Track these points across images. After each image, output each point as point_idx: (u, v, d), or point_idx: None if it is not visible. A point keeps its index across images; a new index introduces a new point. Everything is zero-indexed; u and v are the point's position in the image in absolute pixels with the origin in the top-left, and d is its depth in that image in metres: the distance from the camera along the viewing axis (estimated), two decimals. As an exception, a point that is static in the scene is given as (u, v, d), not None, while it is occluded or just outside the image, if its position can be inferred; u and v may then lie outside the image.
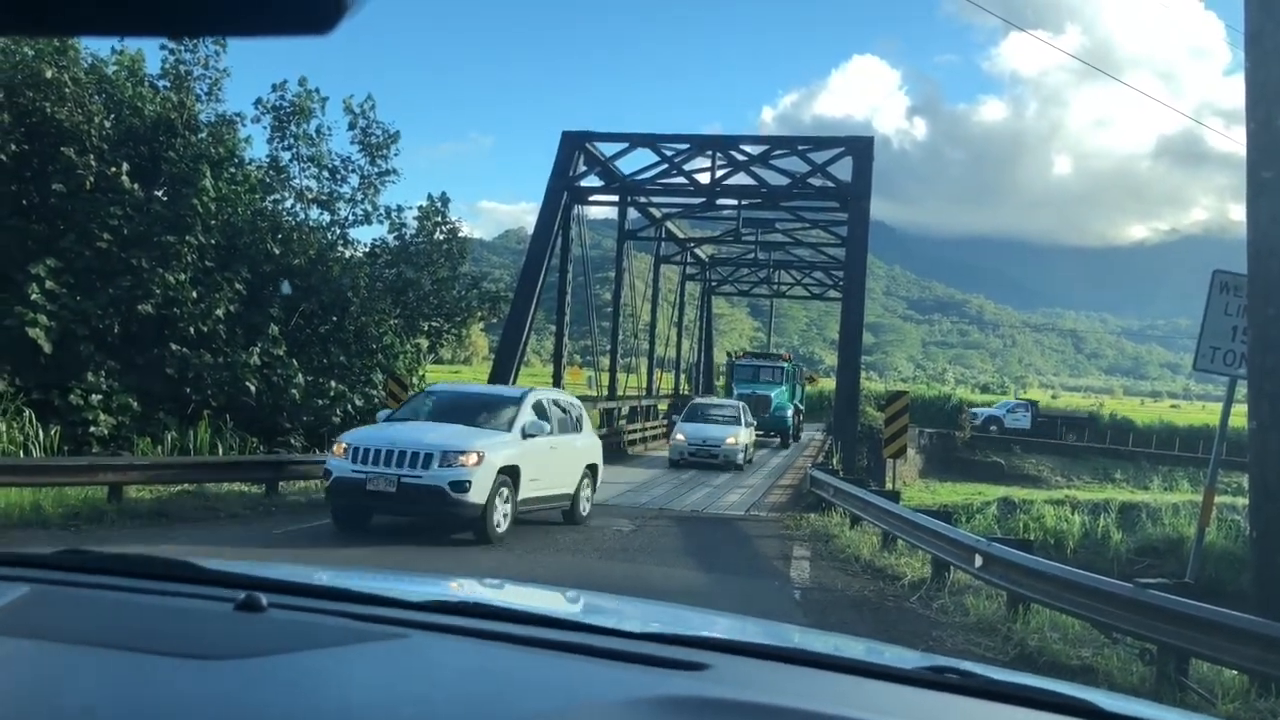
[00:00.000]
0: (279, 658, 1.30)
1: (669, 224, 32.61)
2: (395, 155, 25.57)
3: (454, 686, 1.29)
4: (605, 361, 30.70)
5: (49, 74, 19.37)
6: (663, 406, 35.57)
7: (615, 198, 27.28)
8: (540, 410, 13.33)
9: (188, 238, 20.25)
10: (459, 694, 1.26)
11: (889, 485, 17.51)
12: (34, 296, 18.41)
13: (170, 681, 1.19)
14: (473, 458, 11.53)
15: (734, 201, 28.31)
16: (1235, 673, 7.00)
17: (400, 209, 26.41)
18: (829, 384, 50.10)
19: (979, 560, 9.44)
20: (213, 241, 21.12)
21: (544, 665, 1.40)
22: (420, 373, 26.66)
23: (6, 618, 1.36)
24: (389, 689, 1.25)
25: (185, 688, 1.17)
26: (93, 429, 18.52)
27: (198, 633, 1.41)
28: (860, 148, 23.54)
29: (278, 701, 1.17)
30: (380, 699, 1.20)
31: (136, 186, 20.20)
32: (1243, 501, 26.71)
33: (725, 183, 25.34)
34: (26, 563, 1.76)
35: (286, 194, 24.79)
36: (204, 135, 21.97)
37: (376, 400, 22.67)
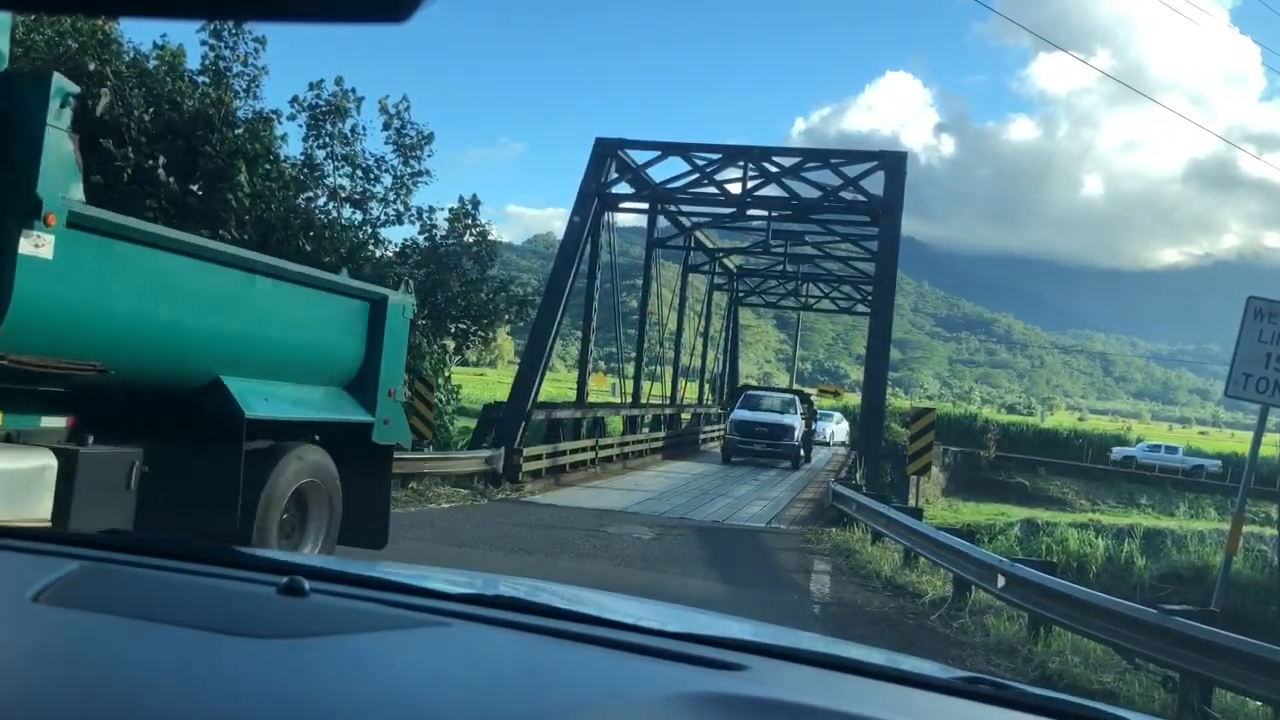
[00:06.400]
0: (325, 639, 1.32)
1: (698, 233, 32.59)
2: (428, 157, 25.72)
3: (499, 674, 1.31)
4: (630, 369, 30.73)
5: (91, 67, 19.61)
6: (686, 416, 35.56)
7: (645, 205, 27.29)
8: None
9: (221, 232, 20.41)
10: (504, 681, 1.28)
11: (912, 502, 17.43)
12: (69, 286, 18.58)
13: (220, 657, 1.21)
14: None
15: (764, 213, 28.27)
16: (1260, 703, 6.92)
17: (431, 210, 26.56)
18: (853, 399, 49.90)
19: (1001, 580, 9.38)
20: (246, 237, 21.28)
21: (586, 659, 1.41)
22: (446, 374, 26.77)
23: (59, 591, 1.39)
24: (434, 673, 1.27)
25: (235, 663, 1.20)
26: (122, 419, 18.61)
27: (243, 613, 1.43)
28: (893, 163, 23.46)
29: (327, 679, 1.19)
30: (426, 682, 1.22)
31: (172, 180, 20.39)
32: (1270, 531, 26.47)
33: (756, 194, 25.32)
34: (74, 541, 1.79)
35: (320, 192, 24.94)
36: (240, 131, 22.15)
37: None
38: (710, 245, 36.32)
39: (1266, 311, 9.73)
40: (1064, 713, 1.47)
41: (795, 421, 29.23)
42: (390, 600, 1.59)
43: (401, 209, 25.77)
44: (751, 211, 27.74)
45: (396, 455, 17.29)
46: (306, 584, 1.53)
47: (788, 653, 1.58)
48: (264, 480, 7.26)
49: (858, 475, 19.97)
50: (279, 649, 1.26)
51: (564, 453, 21.06)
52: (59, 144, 5.77)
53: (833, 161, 24.74)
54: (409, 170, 25.55)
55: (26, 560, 1.61)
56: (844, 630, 9.19)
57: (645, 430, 29.23)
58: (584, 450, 22.25)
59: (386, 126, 25.28)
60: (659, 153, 25.44)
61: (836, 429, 44.05)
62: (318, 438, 8.40)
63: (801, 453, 29.68)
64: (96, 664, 1.17)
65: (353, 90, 24.71)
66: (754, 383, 49.08)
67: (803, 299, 46.87)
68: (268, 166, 22.73)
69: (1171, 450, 54.11)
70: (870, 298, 30.48)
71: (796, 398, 32.02)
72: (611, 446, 24.60)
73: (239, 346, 7.21)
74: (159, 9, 0.88)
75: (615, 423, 28.25)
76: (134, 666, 1.17)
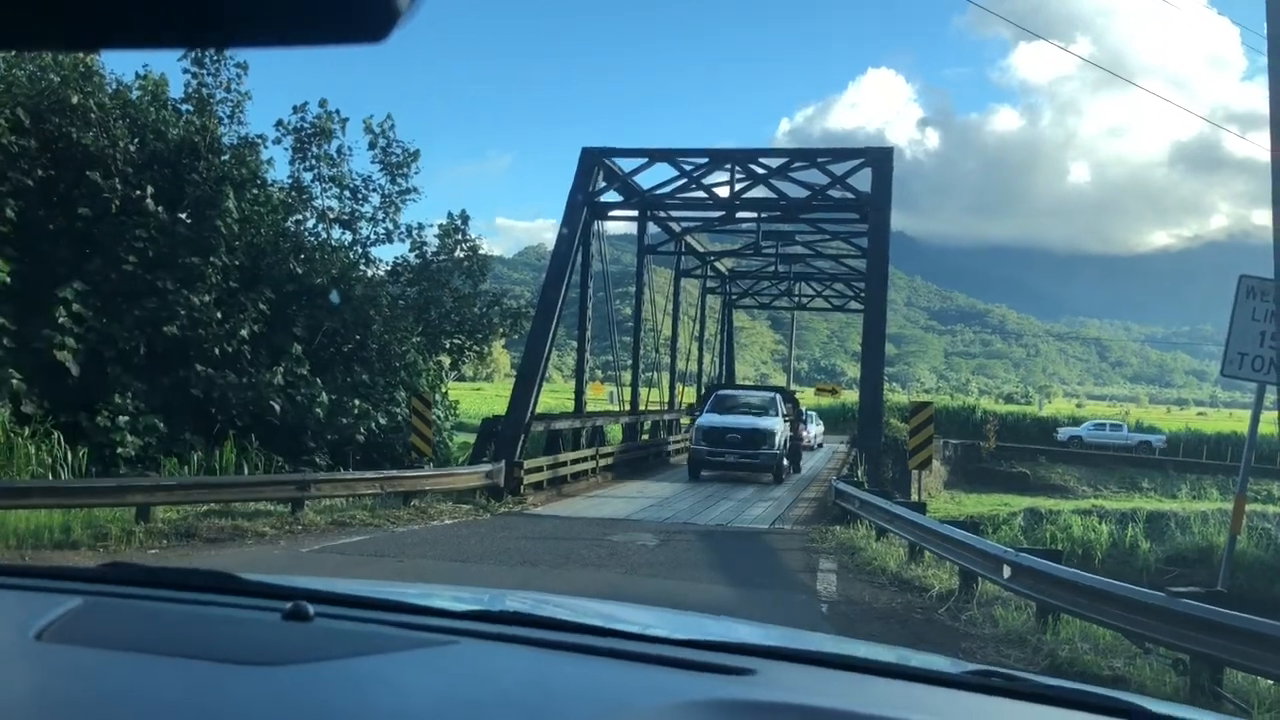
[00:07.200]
0: (331, 663, 1.32)
1: (689, 238, 32.62)
2: (415, 174, 25.84)
3: (506, 691, 1.30)
4: (626, 376, 30.74)
5: (75, 99, 19.64)
6: (685, 420, 35.52)
7: (635, 213, 27.32)
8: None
9: (212, 259, 20.45)
10: (511, 698, 1.27)
11: (914, 497, 17.42)
12: (61, 320, 18.62)
13: (226, 686, 1.21)
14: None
15: (753, 214, 28.31)
16: (1271, 683, 6.92)
17: (421, 227, 26.66)
18: (851, 396, 49.86)
19: (1007, 571, 9.37)
20: (236, 263, 21.32)
21: (592, 671, 1.41)
22: (443, 390, 26.78)
23: (62, 628, 1.38)
24: (442, 694, 1.26)
25: (241, 692, 1.19)
26: (120, 450, 18.68)
27: (248, 641, 1.43)
28: (879, 159, 23.50)
29: (334, 705, 1.19)
30: (434, 703, 1.22)
31: (161, 209, 20.42)
32: (1273, 509, 26.49)
33: (744, 196, 25.36)
34: (75, 576, 1.79)
35: (308, 214, 25.03)
36: (227, 157, 22.20)
37: (400, 418, 22.77)
38: (701, 249, 36.35)
39: (1258, 290, 9.75)
40: (1076, 701, 1.47)
41: (775, 425, 24.31)
42: (396, 621, 1.59)
43: (391, 227, 25.91)
44: (741, 214, 27.78)
45: (398, 474, 17.42)
46: (311, 608, 1.53)
47: (795, 654, 1.58)
48: None
49: (859, 472, 19.96)
50: (285, 676, 1.25)
51: (564, 463, 21.04)
52: None
53: (819, 160, 24.78)
54: (397, 188, 25.68)
55: (28, 598, 1.60)
56: (852, 628, 9.18)
57: (644, 438, 29.17)
58: (585, 460, 22.24)
59: (372, 146, 25.40)
60: (646, 159, 25.46)
61: (816, 430, 42.48)
62: None
63: (785, 463, 25.00)
64: (102, 702, 1.16)
65: (337, 111, 24.83)
66: (749, 383, 47.63)
67: (796, 299, 46.91)
68: (255, 191, 22.79)
69: (1116, 428, 55.05)
70: (863, 294, 30.50)
71: (777, 396, 26.69)
72: (612, 455, 24.59)
73: None
74: (132, 41, 0.87)
75: (615, 431, 28.25)
76: (140, 702, 1.17)
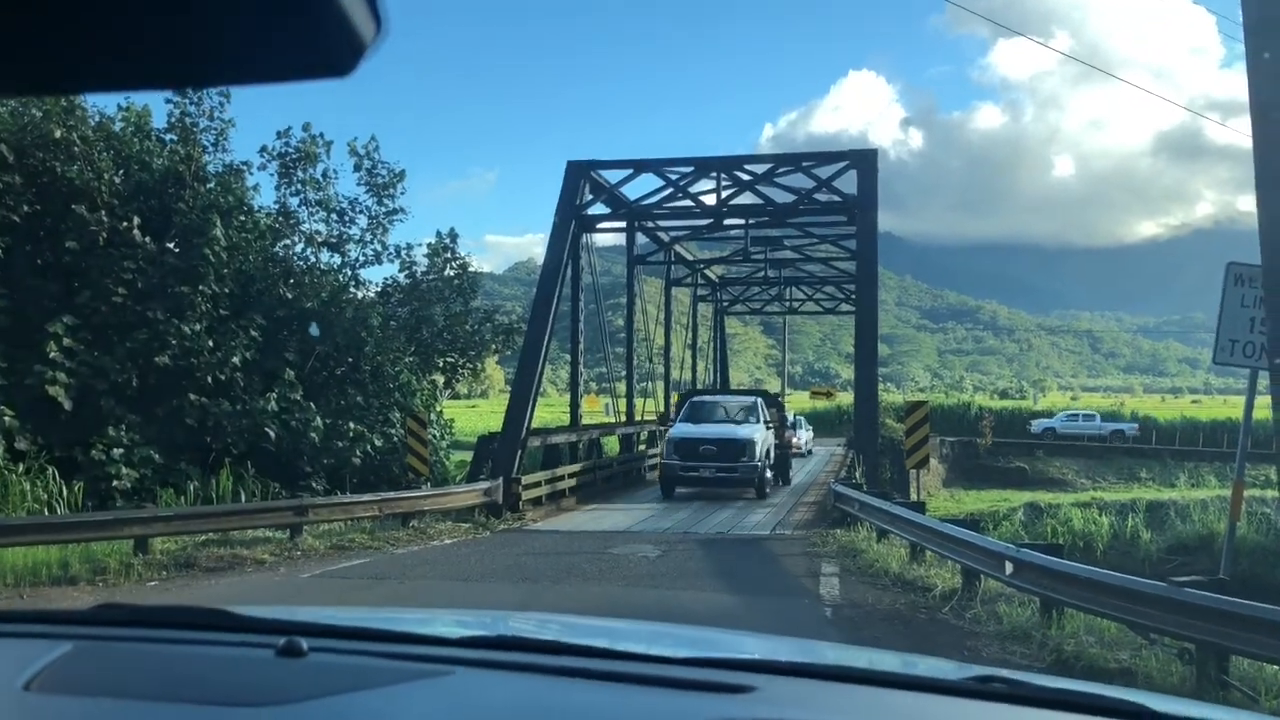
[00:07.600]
0: (326, 701, 1.30)
1: (677, 247, 32.62)
2: (401, 194, 25.83)
3: None
4: (621, 388, 30.69)
5: (58, 134, 19.63)
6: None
7: (623, 224, 27.33)
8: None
9: (201, 288, 20.42)
10: None
11: (913, 496, 17.41)
12: (52, 355, 18.57)
13: None
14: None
15: (741, 221, 28.33)
16: (1277, 668, 6.91)
17: (410, 247, 26.66)
18: (846, 398, 49.81)
19: (1009, 567, 9.37)
20: (226, 290, 21.29)
21: (590, 695, 1.39)
22: (438, 409, 26.73)
23: (51, 676, 1.36)
24: None
25: None
26: (116, 483, 18.62)
27: (241, 680, 1.41)
28: (863, 160, 23.56)
29: None
30: None
31: (148, 240, 20.39)
32: (1272, 494, 26.46)
33: (731, 203, 25.38)
34: (65, 620, 1.76)
35: (296, 239, 25.00)
36: (212, 185, 22.19)
37: (396, 439, 22.72)
38: (691, 258, 36.34)
39: (1246, 276, 9.77)
40: (1080, 704, 1.46)
41: (756, 433, 21.97)
42: (391, 652, 1.57)
43: (379, 248, 25.90)
44: (728, 221, 27.80)
45: (396, 495, 17.38)
46: (304, 643, 1.51)
47: (796, 669, 1.56)
48: None
49: (857, 474, 19.94)
50: (277, 716, 1.23)
51: (562, 477, 21.00)
52: None
53: (804, 165, 24.80)
54: (383, 209, 25.67)
55: (16, 645, 1.58)
56: (857, 631, 9.16)
57: (642, 448, 29.12)
58: (582, 473, 22.18)
59: (358, 168, 25.38)
60: (631, 170, 25.47)
61: (805, 436, 40.82)
62: None
63: (769, 475, 22.68)
64: None
65: (321, 135, 24.81)
66: (742, 387, 46.56)
67: (787, 303, 46.93)
68: (242, 218, 22.77)
69: (1089, 418, 56.18)
70: (854, 296, 30.51)
71: (759, 400, 24.33)
72: (611, 468, 24.53)
73: None
74: (105, 85, 0.87)
75: (611, 443, 28.21)
76: None
